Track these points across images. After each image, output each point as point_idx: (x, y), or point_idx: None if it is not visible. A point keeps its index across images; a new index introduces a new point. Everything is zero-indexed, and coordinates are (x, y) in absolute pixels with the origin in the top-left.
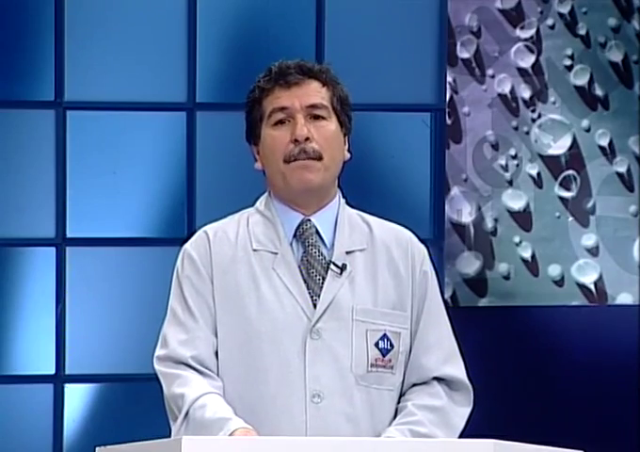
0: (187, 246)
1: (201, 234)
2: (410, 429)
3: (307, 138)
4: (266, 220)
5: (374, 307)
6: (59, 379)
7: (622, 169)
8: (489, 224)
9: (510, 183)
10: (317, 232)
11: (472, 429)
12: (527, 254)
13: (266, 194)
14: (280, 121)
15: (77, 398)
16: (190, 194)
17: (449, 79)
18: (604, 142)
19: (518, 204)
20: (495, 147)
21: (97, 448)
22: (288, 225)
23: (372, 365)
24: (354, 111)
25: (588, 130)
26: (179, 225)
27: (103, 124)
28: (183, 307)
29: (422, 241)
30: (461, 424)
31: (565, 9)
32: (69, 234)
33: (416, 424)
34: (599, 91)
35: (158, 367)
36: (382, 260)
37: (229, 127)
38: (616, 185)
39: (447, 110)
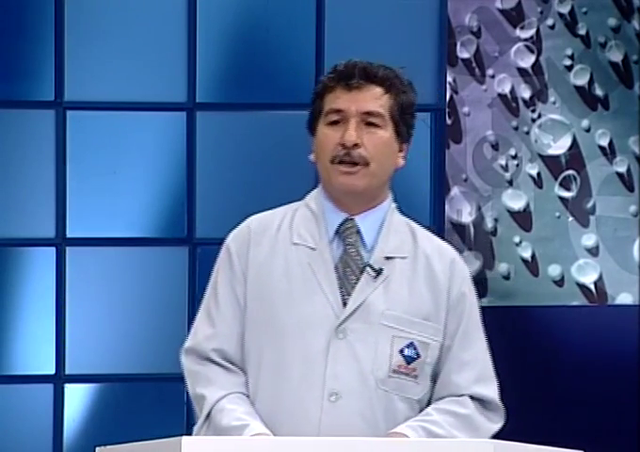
0: (229, 238)
1: (244, 226)
2: (423, 427)
3: (355, 144)
4: (312, 215)
5: (405, 314)
6: (59, 379)
7: (622, 169)
8: (489, 224)
9: (510, 183)
10: (358, 232)
11: None
12: (527, 254)
13: (318, 188)
14: (335, 122)
15: (77, 398)
16: (190, 194)
17: (449, 79)
18: (604, 142)
19: (518, 204)
20: (495, 147)
21: (97, 448)
22: (331, 222)
23: (394, 371)
24: None
25: (588, 130)
26: (179, 225)
27: (103, 124)
28: (213, 300)
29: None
30: (490, 434)
31: (565, 9)
32: (69, 234)
33: (430, 423)
34: (599, 91)
35: (184, 362)
36: (421, 270)
37: (229, 127)
38: (616, 185)
39: (447, 110)
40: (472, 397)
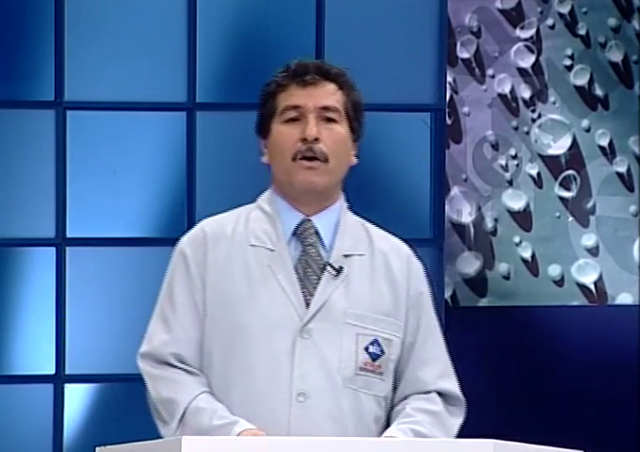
0: (183, 242)
1: (198, 230)
2: (412, 429)
3: (316, 139)
4: (267, 217)
5: (367, 312)
6: (59, 379)
7: (622, 169)
8: (489, 224)
9: (510, 183)
10: (317, 232)
11: (472, 429)
12: (527, 254)
13: (270, 190)
14: (292, 119)
15: (77, 398)
16: (190, 194)
17: (449, 79)
18: (604, 142)
19: (518, 204)
20: (495, 147)
21: (97, 448)
22: (288, 223)
23: (360, 369)
24: None
25: (588, 130)
26: (179, 225)
27: (103, 124)
28: (169, 306)
29: (418, 257)
30: (455, 431)
31: (565, 9)
32: (69, 234)
33: (416, 424)
34: (599, 91)
35: (142, 366)
36: (380, 268)
37: (229, 127)
38: (616, 185)
39: (447, 110)
40: (437, 393)
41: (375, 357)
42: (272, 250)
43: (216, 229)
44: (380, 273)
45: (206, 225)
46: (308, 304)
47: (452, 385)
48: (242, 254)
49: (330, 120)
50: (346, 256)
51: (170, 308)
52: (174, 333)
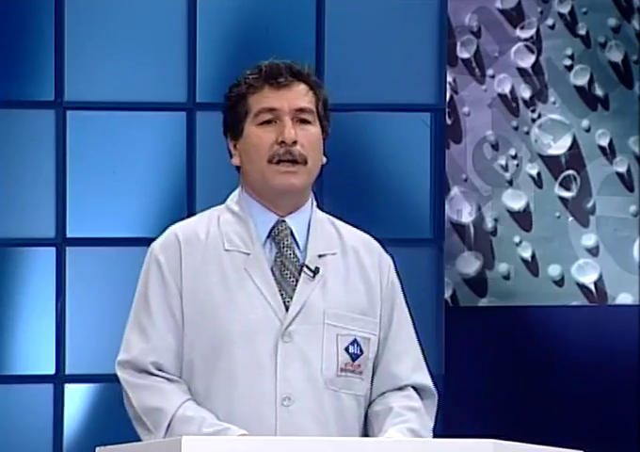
0: (155, 249)
1: (170, 236)
2: (408, 428)
3: (294, 141)
4: (239, 219)
5: (345, 312)
6: (59, 379)
7: (622, 169)
8: (489, 224)
9: (510, 183)
10: (292, 233)
11: (472, 429)
12: (527, 254)
13: (238, 191)
14: (267, 122)
15: (77, 398)
16: (190, 194)
17: (449, 79)
18: (604, 142)
19: (518, 204)
20: (495, 147)
21: (97, 448)
22: (262, 225)
23: (341, 370)
24: (354, 111)
25: (588, 130)
26: None
27: (103, 124)
28: (146, 314)
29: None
30: (431, 426)
31: (565, 9)
32: (69, 234)
33: (409, 422)
34: (599, 91)
35: (121, 375)
36: (353, 265)
37: None
38: (616, 185)
39: (447, 110)
40: (412, 387)
41: (354, 357)
42: (247, 254)
43: (188, 234)
44: (354, 271)
45: (178, 230)
46: (287, 307)
47: (425, 378)
48: (217, 259)
49: (305, 121)
50: (320, 256)
51: (147, 316)
52: (152, 342)
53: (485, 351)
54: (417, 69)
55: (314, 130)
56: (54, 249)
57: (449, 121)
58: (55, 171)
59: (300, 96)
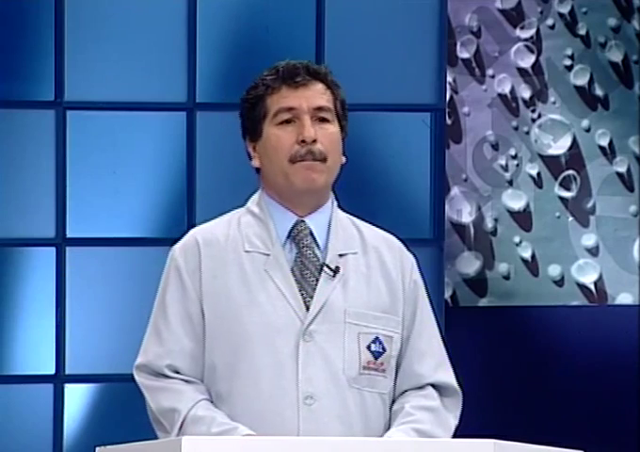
0: (175, 252)
1: (190, 239)
2: (413, 428)
3: (314, 140)
4: (258, 221)
5: (366, 310)
6: (59, 379)
7: (622, 169)
8: (489, 224)
9: (510, 183)
10: (311, 233)
11: (472, 429)
12: (527, 254)
13: (258, 193)
14: (286, 121)
15: (77, 398)
16: (190, 194)
17: (449, 79)
18: (604, 142)
19: (518, 204)
20: (495, 147)
21: (97, 448)
22: (281, 226)
23: (364, 368)
24: (354, 111)
25: (588, 130)
26: (179, 225)
27: (103, 124)
28: (162, 319)
29: (410, 250)
30: (454, 425)
31: (565, 9)
32: (69, 234)
33: (417, 422)
34: (599, 91)
35: (138, 378)
36: (374, 264)
37: (229, 127)
38: (616, 185)
39: (447, 110)
40: (433, 386)
41: (377, 355)
42: (267, 255)
43: (208, 236)
44: (375, 270)
45: (198, 233)
46: (307, 306)
47: (448, 376)
48: (237, 261)
49: (323, 120)
50: (341, 256)
51: (163, 320)
52: (167, 345)
53: (485, 351)
54: (417, 69)
55: (333, 129)
56: (54, 249)
57: (449, 121)
58: (55, 171)
59: (318, 95)
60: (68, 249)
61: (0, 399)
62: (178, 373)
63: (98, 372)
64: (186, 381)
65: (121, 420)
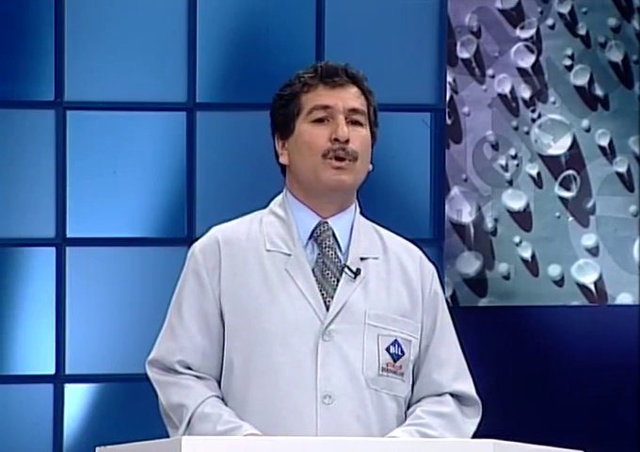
0: (195, 249)
1: (211, 237)
2: (418, 430)
3: (347, 140)
4: (281, 221)
5: (386, 313)
6: (59, 379)
7: (622, 169)
8: (489, 224)
9: (510, 183)
10: (334, 235)
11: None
12: (527, 254)
13: (282, 194)
14: (320, 120)
15: (77, 398)
16: (190, 194)
17: (449, 79)
18: (604, 142)
19: (518, 204)
20: (495, 147)
21: (97, 448)
22: (303, 226)
23: (383, 369)
24: None
25: (588, 130)
26: (179, 225)
27: (103, 124)
28: (177, 316)
29: (428, 258)
30: (471, 431)
31: (565, 9)
32: (69, 234)
33: (424, 426)
34: (599, 91)
35: (150, 373)
36: (395, 270)
37: (229, 127)
38: (616, 185)
39: (447, 110)
40: (451, 394)
41: (396, 357)
42: (288, 255)
43: (228, 235)
44: (396, 275)
45: (218, 231)
46: (327, 306)
47: (467, 386)
48: (257, 260)
49: (356, 122)
50: (362, 259)
51: (177, 317)
52: (180, 342)
53: (485, 351)
54: (417, 69)
55: (365, 132)
56: (54, 249)
57: (449, 121)
58: (55, 171)
59: (354, 97)
60: (68, 249)
61: (0, 399)
62: (189, 369)
63: (98, 372)
64: (197, 377)
65: (121, 420)
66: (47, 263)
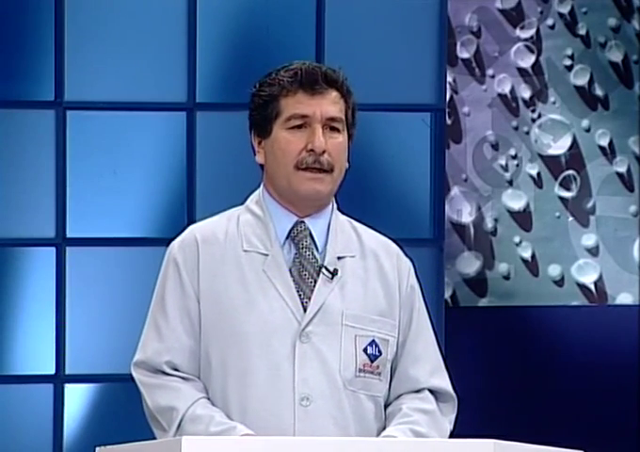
0: (174, 248)
1: (189, 236)
2: (411, 429)
3: (323, 151)
4: (258, 220)
5: (363, 313)
6: (59, 379)
7: (622, 169)
8: (489, 224)
9: (510, 183)
10: (311, 235)
11: (472, 429)
12: (527, 254)
13: (259, 191)
14: (297, 126)
15: (77, 398)
16: (190, 194)
17: (449, 79)
18: (604, 142)
19: (518, 204)
20: (495, 147)
21: (97, 448)
22: (280, 226)
23: (360, 371)
24: None
25: (588, 130)
26: (179, 225)
27: (103, 124)
28: (161, 315)
29: (407, 255)
30: (448, 430)
31: (565, 9)
32: (69, 234)
33: (414, 424)
34: (599, 91)
35: (136, 375)
36: (372, 268)
37: (229, 127)
38: (616, 185)
39: (447, 110)
40: (429, 390)
41: (373, 358)
42: (266, 255)
43: (207, 234)
44: (373, 274)
45: (196, 230)
46: (305, 307)
47: (443, 382)
48: (235, 260)
49: (334, 129)
50: (339, 258)
51: (162, 316)
52: (167, 342)
53: (485, 351)
54: (417, 69)
55: (342, 138)
56: (54, 249)
57: (449, 121)
58: (55, 171)
59: (333, 104)
60: (68, 249)
61: (0, 399)
62: (177, 370)
63: (98, 372)
64: (184, 379)
65: (121, 420)
66: (47, 263)
